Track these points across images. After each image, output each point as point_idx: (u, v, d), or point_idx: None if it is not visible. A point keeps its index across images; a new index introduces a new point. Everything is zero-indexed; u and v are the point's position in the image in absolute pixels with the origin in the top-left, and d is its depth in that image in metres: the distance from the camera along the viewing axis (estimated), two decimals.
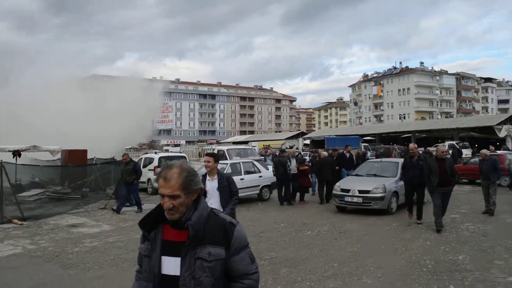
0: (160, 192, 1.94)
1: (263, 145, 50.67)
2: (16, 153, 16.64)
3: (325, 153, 16.81)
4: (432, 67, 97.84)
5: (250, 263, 2.04)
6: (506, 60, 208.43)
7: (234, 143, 60.80)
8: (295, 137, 63.27)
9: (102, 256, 7.44)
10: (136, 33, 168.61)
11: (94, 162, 19.08)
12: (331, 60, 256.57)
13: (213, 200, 5.49)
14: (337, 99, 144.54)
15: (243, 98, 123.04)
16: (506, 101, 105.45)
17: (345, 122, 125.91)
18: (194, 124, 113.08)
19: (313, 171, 15.07)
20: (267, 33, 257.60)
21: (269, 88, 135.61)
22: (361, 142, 38.27)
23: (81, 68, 36.85)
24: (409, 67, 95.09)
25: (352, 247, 7.79)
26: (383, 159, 15.16)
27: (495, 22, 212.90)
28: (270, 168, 16.87)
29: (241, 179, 13.98)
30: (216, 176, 5.72)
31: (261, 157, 23.12)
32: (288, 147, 51.01)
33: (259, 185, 14.83)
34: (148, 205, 14.40)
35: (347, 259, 6.95)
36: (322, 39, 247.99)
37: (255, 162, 16.05)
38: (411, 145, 11.00)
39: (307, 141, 54.01)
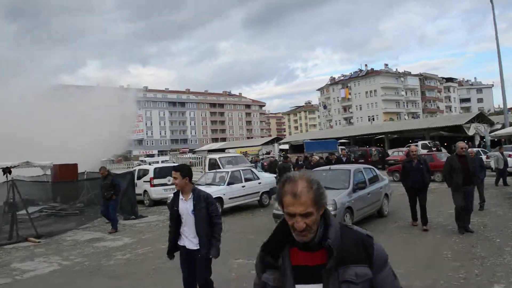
0: (288, 211, 1.71)
1: (240, 152, 51.25)
2: (7, 170, 16.58)
3: (317, 157, 17.69)
4: (396, 69, 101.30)
5: (394, 279, 1.81)
6: (463, 59, 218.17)
7: (209, 151, 61.04)
8: (271, 142, 64.09)
9: (143, 266, 7.77)
10: (95, 40, 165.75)
11: (85, 176, 19.16)
12: (295, 63, 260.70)
13: (188, 227, 4.62)
14: (306, 103, 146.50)
15: (212, 105, 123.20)
16: (468, 100, 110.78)
17: (315, 125, 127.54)
18: (165, 133, 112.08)
19: None
20: (230, 38, 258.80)
21: (238, 94, 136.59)
22: (338, 145, 39.44)
23: (46, 78, 35.85)
24: (374, 69, 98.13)
25: None
26: (332, 167, 12.43)
27: (449, 22, 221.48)
28: (265, 174, 17.62)
29: (243, 187, 14.66)
30: (190, 195, 4.63)
31: (252, 164, 23.70)
32: (265, 152, 52.00)
33: (259, 192, 15.40)
34: (152, 217, 14.67)
35: None
36: (283, 43, 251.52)
37: (253, 169, 16.67)
38: (412, 147, 10.15)
39: (283, 146, 55.09)
